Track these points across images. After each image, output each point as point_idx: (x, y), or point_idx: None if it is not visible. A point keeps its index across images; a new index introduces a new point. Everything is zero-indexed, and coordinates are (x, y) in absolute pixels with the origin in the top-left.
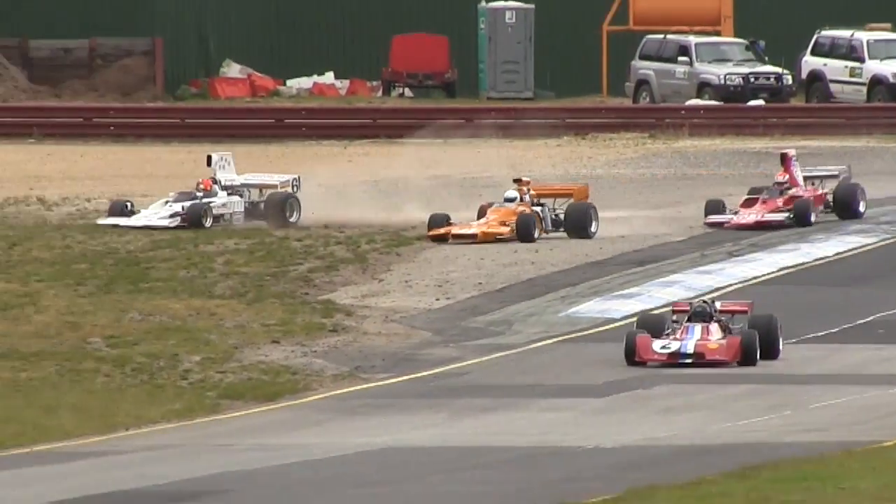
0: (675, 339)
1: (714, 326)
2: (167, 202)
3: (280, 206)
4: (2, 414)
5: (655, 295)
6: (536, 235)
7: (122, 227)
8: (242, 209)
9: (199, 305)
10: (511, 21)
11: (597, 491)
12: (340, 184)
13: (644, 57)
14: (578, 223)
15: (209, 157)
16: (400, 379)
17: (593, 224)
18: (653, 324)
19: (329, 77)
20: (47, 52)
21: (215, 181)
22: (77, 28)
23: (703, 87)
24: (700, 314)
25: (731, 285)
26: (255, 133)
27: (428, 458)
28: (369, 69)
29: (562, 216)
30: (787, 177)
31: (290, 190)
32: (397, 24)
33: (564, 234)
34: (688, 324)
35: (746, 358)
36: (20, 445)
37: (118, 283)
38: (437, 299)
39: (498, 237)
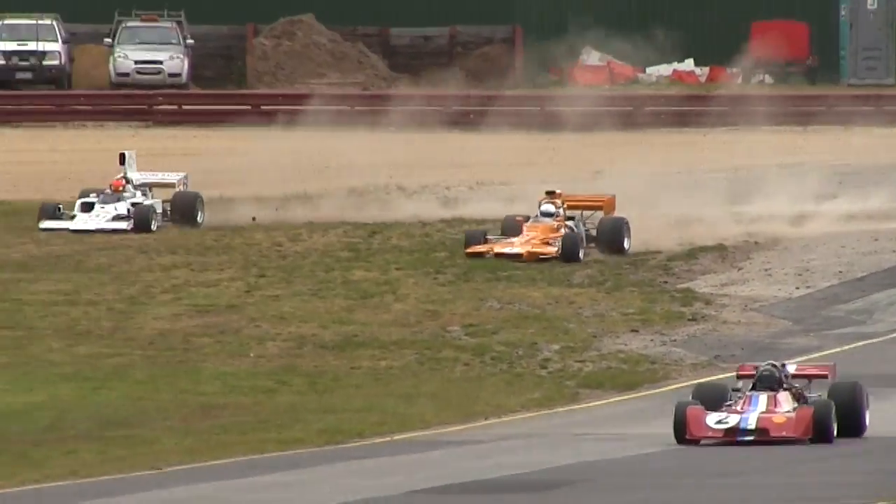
0: (735, 411)
1: (783, 395)
2: (92, 203)
3: (190, 206)
4: (362, 403)
5: None
6: (581, 255)
7: (72, 231)
8: (161, 209)
9: (557, 294)
10: (873, 7)
11: None
12: (698, 172)
13: None
14: (612, 239)
15: (122, 155)
16: None
17: (626, 240)
18: (710, 394)
19: (689, 64)
20: (408, 41)
21: (128, 180)
22: (437, 16)
23: None
24: (767, 380)
25: None
26: (612, 121)
27: (790, 448)
28: (729, 56)
29: (592, 231)
30: None
31: (181, 188)
32: (757, 10)
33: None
34: (751, 392)
35: (819, 434)
36: (380, 434)
37: (476, 272)
38: (797, 288)
39: (542, 257)
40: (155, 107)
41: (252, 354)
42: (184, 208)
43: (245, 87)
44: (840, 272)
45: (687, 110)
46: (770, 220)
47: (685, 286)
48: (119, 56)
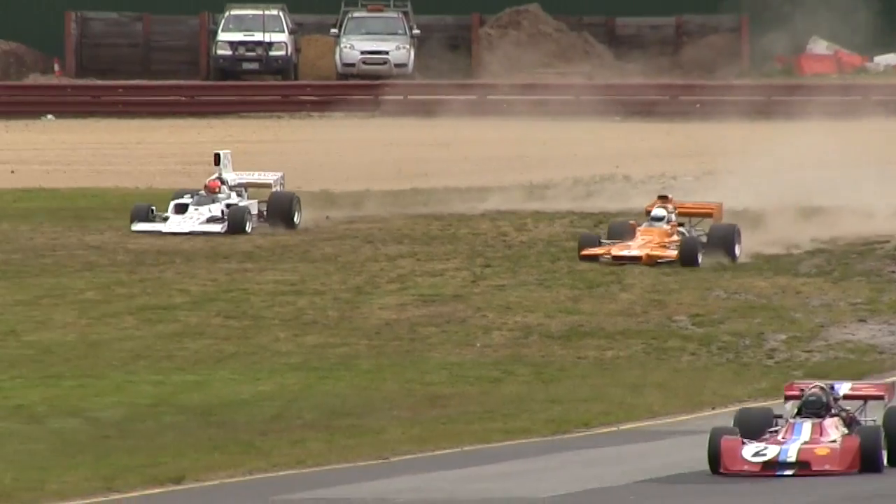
0: (777, 441)
1: (831, 422)
2: (186, 205)
3: (287, 207)
4: (588, 393)
5: None
6: (700, 260)
7: (164, 233)
8: (257, 211)
9: (784, 283)
10: None
11: None
12: None
13: None
14: (724, 245)
15: (217, 156)
16: None
17: (737, 247)
18: (752, 420)
19: None
20: (634, 30)
21: (223, 181)
22: (663, 5)
23: None
24: (813, 405)
25: None
26: (840, 110)
27: None
28: None
29: (702, 237)
30: None
31: (278, 189)
32: None
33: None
34: (795, 419)
35: (866, 464)
36: (607, 424)
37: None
38: None
39: (659, 260)
40: (381, 97)
41: (478, 344)
42: (281, 209)
43: (470, 77)
44: None
45: None
46: None
47: None
48: (345, 46)
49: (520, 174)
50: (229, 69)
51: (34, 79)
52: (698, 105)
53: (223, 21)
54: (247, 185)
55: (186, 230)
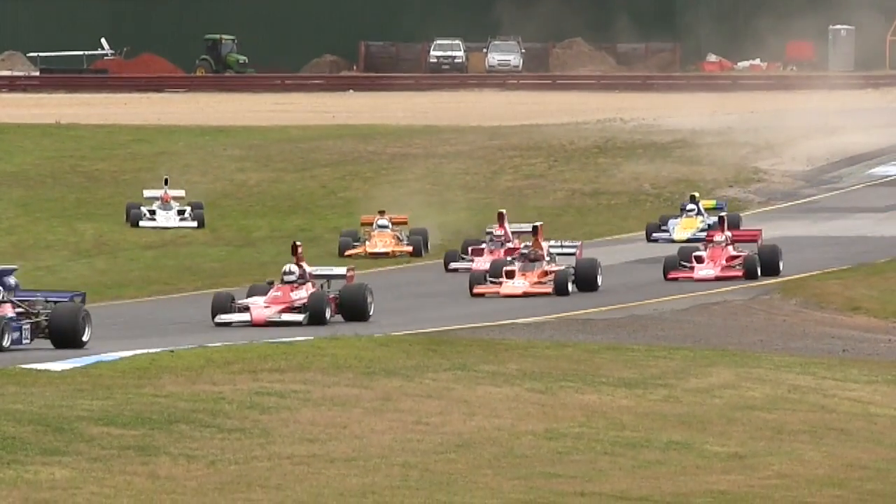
0: None
1: None
2: (154, 210)
3: (201, 212)
4: None
5: None
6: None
7: (153, 228)
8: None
9: None
10: None
11: None
12: None
13: None
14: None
15: (165, 180)
16: None
17: (428, 244)
18: None
19: None
20: None
21: (172, 197)
22: None
23: None
24: None
25: None
26: None
27: None
28: None
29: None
30: None
31: (189, 199)
32: None
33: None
34: None
35: None
36: None
37: None
38: None
39: (398, 253)
40: None
41: None
42: (202, 214)
43: None
44: None
45: None
46: None
47: None
48: None
49: None
50: None
51: None
52: None
53: None
54: (176, 198)
55: (171, 225)
